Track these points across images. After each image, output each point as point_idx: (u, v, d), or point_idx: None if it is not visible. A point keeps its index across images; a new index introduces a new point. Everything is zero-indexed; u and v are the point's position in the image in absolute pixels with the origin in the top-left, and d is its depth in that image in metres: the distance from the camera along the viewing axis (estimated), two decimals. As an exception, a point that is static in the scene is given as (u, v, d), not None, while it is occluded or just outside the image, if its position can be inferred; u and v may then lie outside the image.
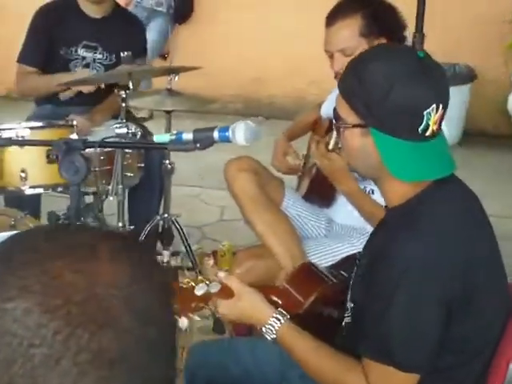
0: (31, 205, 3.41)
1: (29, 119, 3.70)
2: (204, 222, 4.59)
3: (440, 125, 1.74)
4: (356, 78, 1.71)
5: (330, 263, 2.67)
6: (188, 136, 1.94)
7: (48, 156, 2.93)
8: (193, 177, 5.15)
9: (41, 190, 2.98)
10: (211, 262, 4.21)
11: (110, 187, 2.89)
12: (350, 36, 2.67)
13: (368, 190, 2.90)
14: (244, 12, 6.80)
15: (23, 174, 2.88)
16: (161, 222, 3.49)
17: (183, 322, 1.84)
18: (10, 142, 2.77)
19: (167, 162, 3.35)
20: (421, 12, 3.62)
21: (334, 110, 1.78)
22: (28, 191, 2.94)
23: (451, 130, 6.06)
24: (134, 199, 3.67)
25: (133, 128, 3.38)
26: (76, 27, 3.72)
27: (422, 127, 1.69)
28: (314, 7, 6.59)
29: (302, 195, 2.98)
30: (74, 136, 2.98)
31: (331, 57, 2.73)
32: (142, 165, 3.44)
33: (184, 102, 3.33)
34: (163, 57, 7.12)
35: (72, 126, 2.99)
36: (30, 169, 2.89)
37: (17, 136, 2.89)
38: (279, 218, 2.72)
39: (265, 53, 6.71)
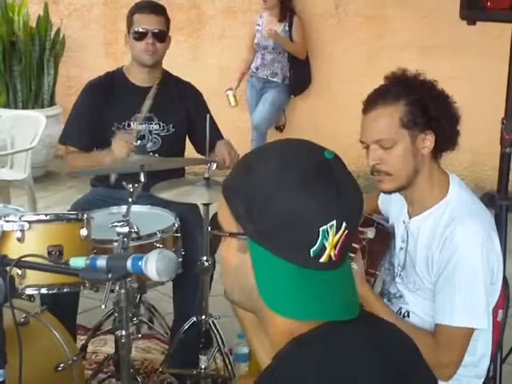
0: (67, 301, 3.16)
1: (76, 202, 3.51)
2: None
3: (343, 253, 1.31)
4: (244, 174, 1.32)
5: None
6: (102, 263, 1.60)
7: (50, 253, 2.70)
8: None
9: (44, 291, 2.68)
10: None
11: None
12: (389, 126, 2.25)
13: (404, 311, 2.43)
14: (364, 84, 6.39)
15: (20, 272, 2.60)
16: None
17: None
18: None
19: (204, 258, 3.00)
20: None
21: (215, 214, 1.40)
22: (28, 291, 2.65)
23: None
24: (177, 293, 3.36)
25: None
26: (126, 100, 3.48)
27: (315, 249, 1.27)
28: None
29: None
30: (84, 232, 2.70)
31: (367, 148, 2.31)
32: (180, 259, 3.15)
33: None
34: (279, 129, 6.86)
35: (82, 220, 2.70)
36: (29, 266, 2.61)
37: (19, 228, 2.63)
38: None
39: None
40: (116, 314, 2.88)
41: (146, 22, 3.44)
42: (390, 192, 2.35)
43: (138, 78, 3.53)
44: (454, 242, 2.21)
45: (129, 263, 1.56)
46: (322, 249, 1.27)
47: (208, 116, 2.98)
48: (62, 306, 3.05)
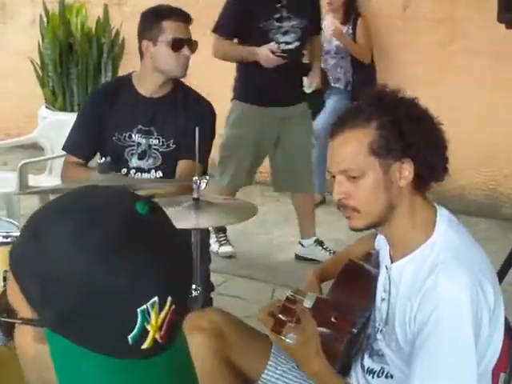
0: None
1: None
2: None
3: (171, 332, 1.00)
4: (31, 243, 1.00)
5: None
6: None
7: (6, 279, 2.49)
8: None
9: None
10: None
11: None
12: (356, 153, 1.91)
13: (386, 371, 2.06)
14: (433, 91, 5.95)
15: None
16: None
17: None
18: None
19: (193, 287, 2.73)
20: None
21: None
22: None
23: None
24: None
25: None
26: (129, 110, 3.24)
27: (134, 335, 0.97)
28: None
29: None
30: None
31: (334, 178, 1.98)
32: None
33: (214, 215, 2.68)
34: (343, 138, 6.47)
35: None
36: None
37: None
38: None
39: (453, 139, 5.77)
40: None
41: (183, 32, 3.22)
42: (359, 230, 2.01)
43: (150, 88, 3.27)
44: (435, 294, 1.83)
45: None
46: (144, 333, 0.97)
47: (198, 129, 2.67)
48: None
